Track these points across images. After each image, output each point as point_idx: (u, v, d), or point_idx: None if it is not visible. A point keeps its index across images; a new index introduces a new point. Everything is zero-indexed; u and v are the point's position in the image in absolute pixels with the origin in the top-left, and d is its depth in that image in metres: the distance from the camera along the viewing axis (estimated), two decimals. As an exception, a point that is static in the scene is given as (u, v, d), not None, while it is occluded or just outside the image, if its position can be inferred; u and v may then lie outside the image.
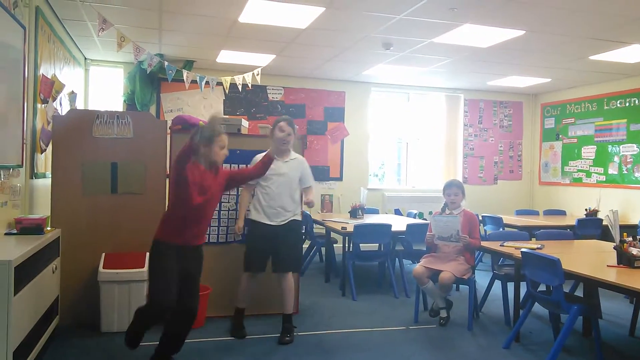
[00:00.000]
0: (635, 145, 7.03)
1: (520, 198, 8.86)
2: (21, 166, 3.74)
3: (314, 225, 6.40)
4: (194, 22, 5.05)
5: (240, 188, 4.07)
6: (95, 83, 6.92)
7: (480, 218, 6.23)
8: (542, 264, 3.52)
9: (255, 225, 3.93)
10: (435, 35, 5.24)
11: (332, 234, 6.12)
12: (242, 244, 4.40)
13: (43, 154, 4.46)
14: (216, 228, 4.36)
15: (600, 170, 7.58)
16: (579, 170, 7.98)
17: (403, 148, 8.56)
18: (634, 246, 3.62)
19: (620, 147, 7.25)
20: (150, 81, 6.80)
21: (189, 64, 6.70)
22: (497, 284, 4.72)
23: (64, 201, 4.04)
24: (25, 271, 2.80)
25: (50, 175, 4.17)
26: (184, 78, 5.54)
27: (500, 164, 8.81)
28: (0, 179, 3.33)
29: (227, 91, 6.34)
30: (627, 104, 7.18)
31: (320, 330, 4.06)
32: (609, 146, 7.42)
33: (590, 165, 7.77)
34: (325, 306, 4.82)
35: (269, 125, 4.70)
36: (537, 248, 4.08)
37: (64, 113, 4.98)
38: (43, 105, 4.41)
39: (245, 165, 4.34)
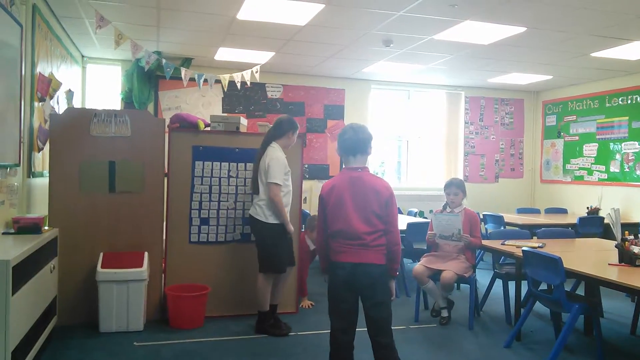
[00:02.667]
0: (637, 143, 7.00)
1: (522, 196, 8.83)
2: (18, 165, 3.71)
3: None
4: (192, 19, 5.01)
5: (261, 192, 3.94)
6: (92, 81, 6.87)
7: (481, 216, 6.20)
8: (544, 262, 3.50)
9: (283, 227, 3.94)
10: (435, 32, 5.21)
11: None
12: (242, 243, 4.39)
13: (40, 152, 4.44)
14: (215, 227, 4.34)
15: (602, 168, 7.54)
16: (580, 168, 7.94)
17: (403, 146, 8.52)
18: (636, 244, 3.60)
19: (622, 144, 7.21)
20: (148, 79, 6.77)
21: (187, 62, 6.66)
22: (498, 282, 4.69)
23: (62, 200, 4.01)
24: (23, 271, 2.78)
25: (47, 174, 4.15)
26: (182, 76, 5.51)
27: (502, 161, 8.78)
28: (-4, 178, 3.31)
29: (225, 89, 6.30)
30: (629, 102, 7.14)
31: (319, 329, 4.03)
32: (611, 144, 7.39)
33: (591, 163, 7.73)
34: (325, 306, 4.77)
35: (269, 123, 4.67)
36: (539, 247, 4.06)
37: (61, 111, 4.95)
38: (40, 103, 4.38)
39: (244, 164, 4.36)
